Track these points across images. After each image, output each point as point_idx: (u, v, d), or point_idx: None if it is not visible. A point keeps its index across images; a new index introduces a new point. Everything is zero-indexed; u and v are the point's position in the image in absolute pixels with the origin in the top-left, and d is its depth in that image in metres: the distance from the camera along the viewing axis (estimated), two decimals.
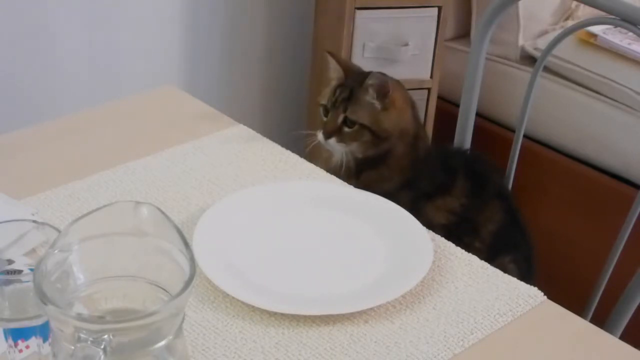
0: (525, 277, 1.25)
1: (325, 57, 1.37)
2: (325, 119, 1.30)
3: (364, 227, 1.00)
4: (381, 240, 0.98)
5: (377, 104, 1.27)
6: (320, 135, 1.30)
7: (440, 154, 1.37)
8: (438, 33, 2.00)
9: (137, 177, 1.07)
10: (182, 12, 2.06)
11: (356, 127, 1.27)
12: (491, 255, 1.20)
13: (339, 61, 1.32)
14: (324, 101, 1.31)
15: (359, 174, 1.31)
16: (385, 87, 1.26)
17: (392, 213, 1.02)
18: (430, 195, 1.31)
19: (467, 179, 1.34)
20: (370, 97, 1.26)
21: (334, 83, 1.32)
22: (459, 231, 1.25)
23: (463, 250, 0.98)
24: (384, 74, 1.27)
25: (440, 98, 2.09)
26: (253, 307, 0.86)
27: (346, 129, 1.27)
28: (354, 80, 1.29)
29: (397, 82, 1.31)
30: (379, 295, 0.88)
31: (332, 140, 1.28)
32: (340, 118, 1.27)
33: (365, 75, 1.29)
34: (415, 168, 1.31)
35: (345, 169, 1.30)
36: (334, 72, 1.32)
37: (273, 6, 2.20)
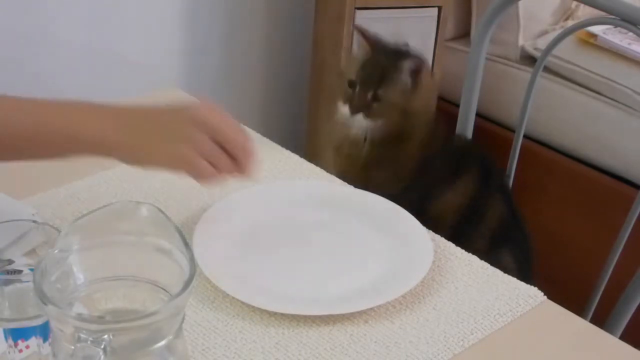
0: (523, 270, 1.25)
1: (353, 34, 1.36)
2: (351, 93, 1.30)
3: (364, 227, 1.00)
4: (381, 240, 0.98)
5: (409, 83, 1.29)
6: (345, 109, 1.30)
7: (449, 144, 1.39)
8: (438, 33, 2.00)
9: (137, 177, 1.07)
10: (182, 12, 2.06)
11: (385, 103, 1.28)
12: (492, 247, 1.20)
13: (366, 37, 1.33)
14: (352, 76, 1.31)
15: (371, 167, 1.31)
16: (419, 69, 1.29)
17: (392, 213, 1.02)
18: (438, 186, 1.32)
19: (473, 172, 1.34)
20: (404, 75, 1.28)
21: (361, 58, 1.32)
22: (463, 224, 1.26)
23: (463, 250, 0.98)
24: (419, 56, 1.30)
25: (440, 98, 2.08)
26: (253, 307, 0.86)
27: (375, 105, 1.28)
28: (386, 57, 1.30)
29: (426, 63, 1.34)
30: (379, 295, 0.88)
31: (360, 116, 1.29)
32: (370, 95, 1.28)
33: (398, 52, 1.31)
34: (427, 158, 1.32)
35: (357, 152, 1.32)
36: (361, 48, 1.33)
37: (273, 6, 2.20)
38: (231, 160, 0.88)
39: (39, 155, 0.89)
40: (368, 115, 1.29)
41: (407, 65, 1.28)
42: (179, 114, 0.88)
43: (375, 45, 1.33)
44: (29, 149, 0.88)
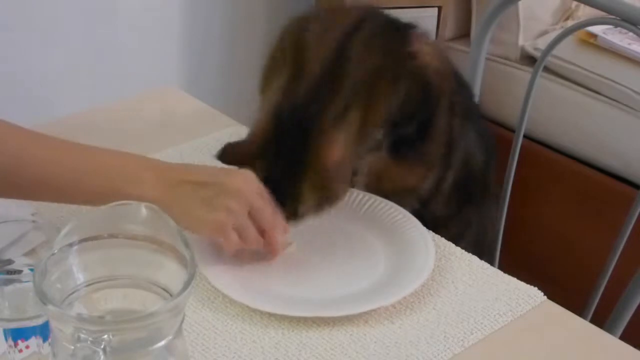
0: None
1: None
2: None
3: (365, 228, 1.00)
4: (382, 240, 0.98)
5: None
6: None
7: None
8: (438, 33, 2.00)
9: None
10: (182, 12, 2.06)
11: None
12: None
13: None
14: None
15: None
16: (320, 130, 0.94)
17: (393, 214, 1.01)
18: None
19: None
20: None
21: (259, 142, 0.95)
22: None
23: (463, 251, 0.98)
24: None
25: None
26: (253, 307, 0.86)
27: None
28: (289, 135, 0.94)
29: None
30: (380, 298, 0.87)
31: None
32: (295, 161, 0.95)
33: (298, 125, 0.94)
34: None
35: None
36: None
37: (273, 6, 2.20)
38: (260, 236, 0.90)
39: (69, 200, 0.89)
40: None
41: (314, 135, 0.92)
42: (220, 182, 0.89)
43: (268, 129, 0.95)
44: (64, 194, 0.88)
